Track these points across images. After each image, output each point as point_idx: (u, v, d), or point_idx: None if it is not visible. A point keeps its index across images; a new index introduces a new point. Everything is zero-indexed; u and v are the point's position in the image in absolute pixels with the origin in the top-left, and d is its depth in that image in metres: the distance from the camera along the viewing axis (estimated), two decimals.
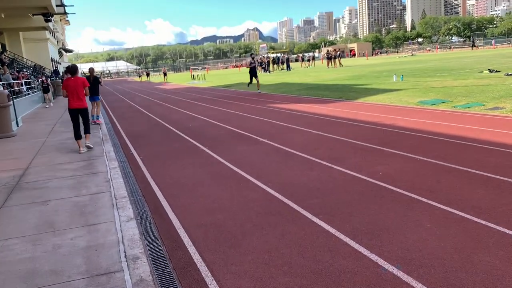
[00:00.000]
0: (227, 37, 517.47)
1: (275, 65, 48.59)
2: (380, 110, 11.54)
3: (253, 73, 20.14)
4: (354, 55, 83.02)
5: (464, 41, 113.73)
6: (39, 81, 23.97)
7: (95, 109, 13.06)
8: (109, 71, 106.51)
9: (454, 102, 11.49)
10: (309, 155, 6.94)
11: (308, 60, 54.38)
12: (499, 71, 19.04)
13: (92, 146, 8.76)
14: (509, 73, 17.25)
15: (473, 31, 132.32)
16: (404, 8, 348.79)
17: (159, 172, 6.67)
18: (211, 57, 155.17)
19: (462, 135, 7.61)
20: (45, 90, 22.41)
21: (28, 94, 21.67)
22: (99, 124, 12.67)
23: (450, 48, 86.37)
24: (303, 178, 5.66)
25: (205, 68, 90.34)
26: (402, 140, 7.53)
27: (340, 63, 43.20)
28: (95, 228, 4.37)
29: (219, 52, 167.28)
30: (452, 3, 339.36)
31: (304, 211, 4.42)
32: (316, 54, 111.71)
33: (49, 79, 25.02)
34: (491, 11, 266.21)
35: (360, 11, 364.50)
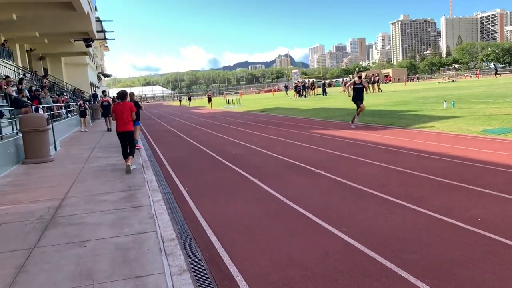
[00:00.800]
0: (259, 63, 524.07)
1: (310, 90, 47.79)
2: (441, 139, 10.47)
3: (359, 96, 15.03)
4: (390, 80, 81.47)
5: (504, 67, 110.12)
6: (77, 105, 23.58)
7: (135, 134, 12.57)
8: (145, 95, 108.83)
9: None
10: (380, 192, 6.00)
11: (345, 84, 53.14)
12: None
13: (134, 167, 9.00)
14: None
15: None
16: (439, 34, 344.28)
17: (209, 208, 5.88)
18: (244, 82, 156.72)
19: None
20: (82, 114, 21.65)
21: (67, 117, 21.69)
22: (138, 149, 12.15)
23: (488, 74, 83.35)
24: (384, 223, 4.73)
25: (238, 92, 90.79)
26: (486, 176, 6.48)
27: (379, 88, 42.02)
28: (142, 283, 3.58)
29: (251, 77, 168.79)
30: (490, 29, 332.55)
31: (402, 271, 3.48)
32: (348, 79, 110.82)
33: (87, 103, 24.59)
34: None
35: (394, 37, 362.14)
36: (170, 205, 6.21)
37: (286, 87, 55.29)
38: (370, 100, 29.21)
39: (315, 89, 48.72)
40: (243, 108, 33.88)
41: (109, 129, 19.48)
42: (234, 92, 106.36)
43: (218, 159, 10.04)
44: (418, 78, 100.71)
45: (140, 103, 13.21)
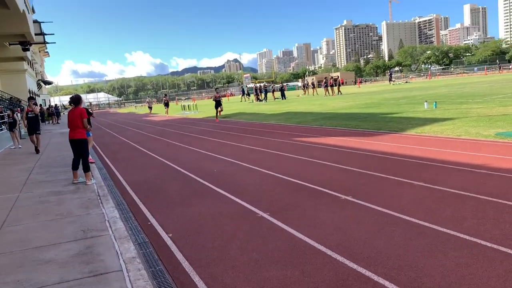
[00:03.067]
0: (207, 68, 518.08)
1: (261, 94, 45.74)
2: (455, 145, 8.91)
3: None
4: (343, 83, 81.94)
5: (443, 69, 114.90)
6: (6, 115, 17.69)
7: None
8: (90, 103, 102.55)
9: None
10: (447, 228, 4.17)
11: (306, 87, 51.86)
12: None
13: (88, 183, 8.02)
14: None
15: (451, 59, 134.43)
16: (380, 38, 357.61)
17: (218, 276, 3.76)
18: (194, 88, 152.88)
19: None
20: (11, 126, 16.53)
21: (2, 130, 18.41)
22: (92, 163, 9.76)
23: (436, 75, 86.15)
24: (487, 280, 2.86)
25: (191, 98, 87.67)
26: None
27: (339, 91, 41.16)
28: None
29: (201, 82, 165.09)
30: (427, 33, 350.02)
31: None
32: (299, 84, 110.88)
33: (17, 114, 18.42)
34: (464, 41, 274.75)
35: (338, 42, 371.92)
36: (153, 270, 4.01)
37: (243, 91, 52.75)
38: (336, 103, 27.95)
39: (274, 93, 47.15)
40: (202, 114, 31.52)
41: (37, 151, 14.01)
42: (185, 97, 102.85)
43: (198, 181, 7.85)
44: (365, 81, 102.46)
45: (90, 110, 10.83)
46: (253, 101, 43.57)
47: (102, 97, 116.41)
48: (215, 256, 4.21)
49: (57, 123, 38.88)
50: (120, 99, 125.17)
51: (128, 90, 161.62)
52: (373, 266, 3.63)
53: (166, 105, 37.35)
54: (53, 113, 40.39)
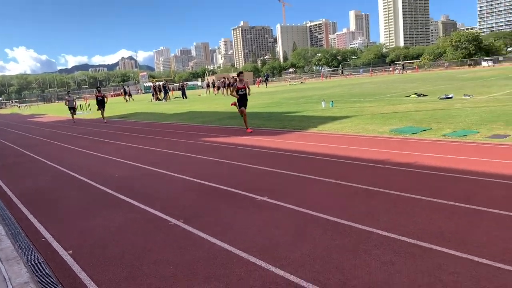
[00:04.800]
0: (100, 66, 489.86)
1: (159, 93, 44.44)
2: (356, 142, 9.36)
3: (101, 104, 21.80)
4: None
5: (333, 70, 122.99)
6: None
7: None
8: None
9: (436, 130, 9.85)
10: (365, 225, 4.23)
11: (208, 86, 51.39)
12: (426, 95, 18.73)
13: None
14: (442, 97, 16.82)
15: (340, 61, 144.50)
16: (275, 40, 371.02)
17: None
18: (86, 86, 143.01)
19: (497, 172, 5.63)
20: None
21: None
22: None
23: (327, 76, 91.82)
24: (414, 276, 2.92)
25: (82, 97, 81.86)
26: (451, 187, 5.25)
27: None
28: None
29: (93, 81, 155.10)
30: (317, 36, 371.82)
31: None
32: (199, 83, 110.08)
33: None
34: (350, 45, 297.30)
35: (235, 42, 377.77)
36: None
37: (124, 90, 48.96)
38: None
39: (172, 92, 45.99)
40: (96, 114, 29.46)
41: None
42: (77, 97, 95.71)
43: (99, 188, 7.12)
44: (263, 81, 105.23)
45: None
46: (151, 101, 42.01)
47: None
48: (126, 273, 3.74)
49: None
50: (1, 98, 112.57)
51: (10, 89, 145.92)
52: (301, 271, 3.48)
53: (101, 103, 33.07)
54: None
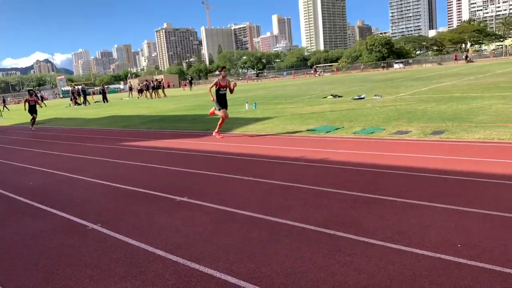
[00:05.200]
0: (12, 69, 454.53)
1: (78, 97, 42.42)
2: (276, 142, 9.80)
3: (33, 110, 19.31)
4: (168, 86, 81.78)
5: (258, 73, 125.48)
6: None
7: None
8: None
9: (348, 129, 10.59)
10: (278, 218, 4.55)
11: (131, 89, 49.89)
12: (341, 96, 19.88)
13: None
14: (355, 98, 17.98)
15: (264, 64, 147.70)
16: (200, 43, 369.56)
17: None
18: None
19: (406, 165, 6.34)
20: None
21: None
22: None
23: (253, 79, 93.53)
24: (316, 260, 3.28)
25: None
26: (356, 179, 5.81)
27: (164, 94, 40.90)
28: None
29: (5, 85, 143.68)
30: (242, 40, 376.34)
31: None
32: (121, 86, 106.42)
33: None
34: (274, 48, 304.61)
35: (159, 44, 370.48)
36: None
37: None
38: (164, 105, 27.74)
39: (92, 96, 44.14)
40: (8, 121, 27.46)
41: None
42: None
43: (12, 197, 6.78)
44: (187, 84, 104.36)
45: None
46: (70, 105, 39.96)
47: None
48: (40, 278, 3.68)
49: None
50: None
51: None
52: (215, 263, 3.67)
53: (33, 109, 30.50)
54: None
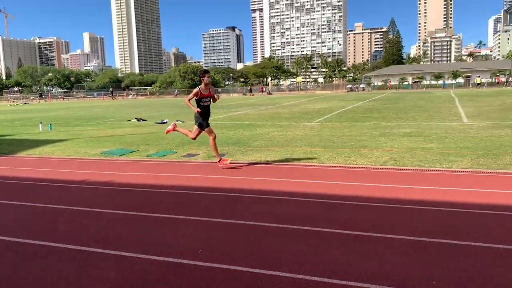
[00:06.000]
0: None
1: None
2: (64, 165, 9.50)
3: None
4: None
5: (66, 92, 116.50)
6: None
7: None
8: None
9: (142, 152, 10.97)
10: (107, 249, 4.60)
11: None
12: (145, 120, 20.16)
13: None
14: (158, 122, 18.52)
15: (73, 83, 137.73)
16: None
17: None
18: None
19: (183, 184, 7.15)
20: None
21: None
22: None
23: (59, 98, 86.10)
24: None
25: None
26: (162, 201, 6.27)
27: None
28: None
29: None
30: (48, 55, 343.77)
31: None
32: None
33: None
34: (85, 66, 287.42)
35: None
36: None
37: None
38: None
39: None
40: None
41: None
42: None
43: None
44: None
45: None
46: None
47: None
48: None
49: None
50: None
51: None
52: None
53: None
54: None
